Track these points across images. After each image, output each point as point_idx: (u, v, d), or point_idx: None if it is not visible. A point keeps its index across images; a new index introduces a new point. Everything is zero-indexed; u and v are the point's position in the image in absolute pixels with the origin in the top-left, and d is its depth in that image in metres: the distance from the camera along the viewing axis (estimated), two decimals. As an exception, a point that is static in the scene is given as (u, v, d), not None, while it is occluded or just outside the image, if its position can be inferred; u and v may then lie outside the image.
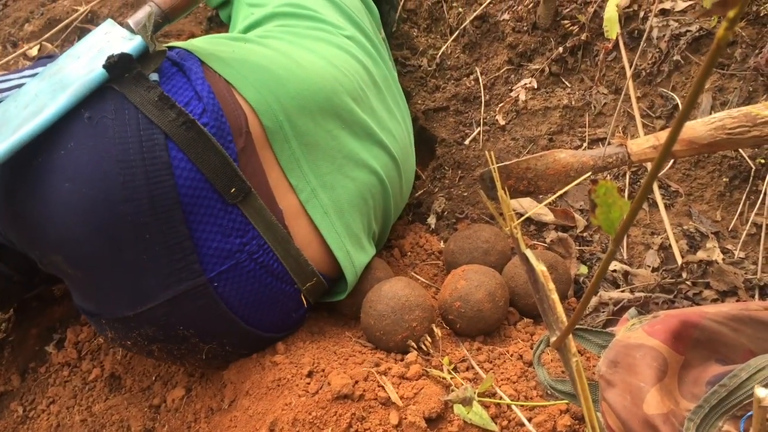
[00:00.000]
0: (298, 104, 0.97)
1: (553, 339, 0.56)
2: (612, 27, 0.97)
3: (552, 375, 0.91)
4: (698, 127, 1.02)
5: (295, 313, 1.02)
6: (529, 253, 0.53)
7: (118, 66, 0.84)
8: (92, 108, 0.84)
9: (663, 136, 1.05)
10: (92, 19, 1.88)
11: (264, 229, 0.92)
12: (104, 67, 0.84)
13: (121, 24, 0.92)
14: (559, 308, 0.56)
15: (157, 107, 0.85)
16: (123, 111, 0.84)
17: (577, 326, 0.91)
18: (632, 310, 0.81)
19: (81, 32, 1.83)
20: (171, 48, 0.97)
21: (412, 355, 0.97)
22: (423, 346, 0.99)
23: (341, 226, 1.02)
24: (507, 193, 1.20)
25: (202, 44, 1.00)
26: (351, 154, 1.04)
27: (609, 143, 1.09)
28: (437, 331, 1.00)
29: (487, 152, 1.07)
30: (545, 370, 0.81)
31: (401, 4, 1.70)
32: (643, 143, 1.05)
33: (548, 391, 0.92)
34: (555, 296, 0.56)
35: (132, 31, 0.91)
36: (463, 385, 0.91)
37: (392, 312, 0.97)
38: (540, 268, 0.54)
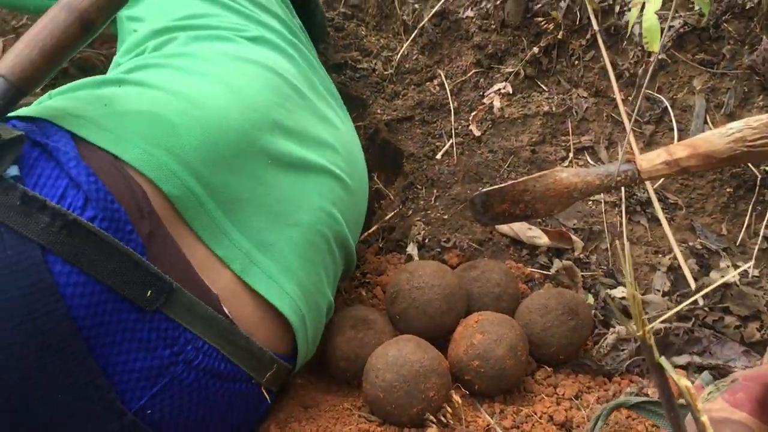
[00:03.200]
0: (203, 156, 0.77)
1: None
2: (653, 38, 0.84)
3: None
4: (715, 140, 0.92)
5: (256, 411, 0.84)
6: (700, 406, 0.39)
7: None
8: None
9: (675, 151, 0.95)
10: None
11: (201, 328, 0.73)
12: None
13: None
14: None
15: (22, 213, 0.64)
16: None
17: (637, 396, 0.79)
18: (706, 375, 0.71)
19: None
20: (26, 119, 0.73)
21: (431, 431, 0.82)
22: (442, 418, 0.84)
23: (293, 287, 0.83)
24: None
25: (65, 103, 0.77)
26: (287, 196, 0.84)
27: (619, 160, 0.98)
28: (456, 398, 0.86)
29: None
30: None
31: (346, -1, 1.52)
32: (654, 159, 0.95)
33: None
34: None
35: None
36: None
37: (404, 382, 0.82)
38: (703, 418, 0.41)
